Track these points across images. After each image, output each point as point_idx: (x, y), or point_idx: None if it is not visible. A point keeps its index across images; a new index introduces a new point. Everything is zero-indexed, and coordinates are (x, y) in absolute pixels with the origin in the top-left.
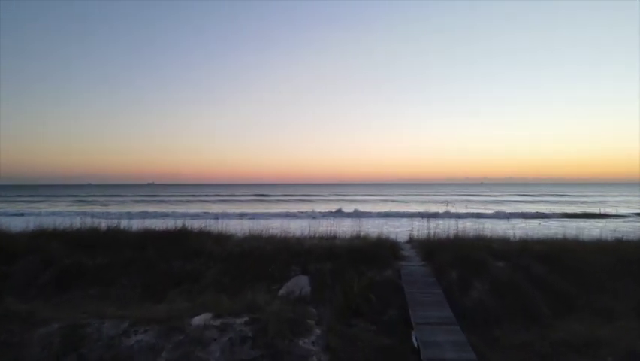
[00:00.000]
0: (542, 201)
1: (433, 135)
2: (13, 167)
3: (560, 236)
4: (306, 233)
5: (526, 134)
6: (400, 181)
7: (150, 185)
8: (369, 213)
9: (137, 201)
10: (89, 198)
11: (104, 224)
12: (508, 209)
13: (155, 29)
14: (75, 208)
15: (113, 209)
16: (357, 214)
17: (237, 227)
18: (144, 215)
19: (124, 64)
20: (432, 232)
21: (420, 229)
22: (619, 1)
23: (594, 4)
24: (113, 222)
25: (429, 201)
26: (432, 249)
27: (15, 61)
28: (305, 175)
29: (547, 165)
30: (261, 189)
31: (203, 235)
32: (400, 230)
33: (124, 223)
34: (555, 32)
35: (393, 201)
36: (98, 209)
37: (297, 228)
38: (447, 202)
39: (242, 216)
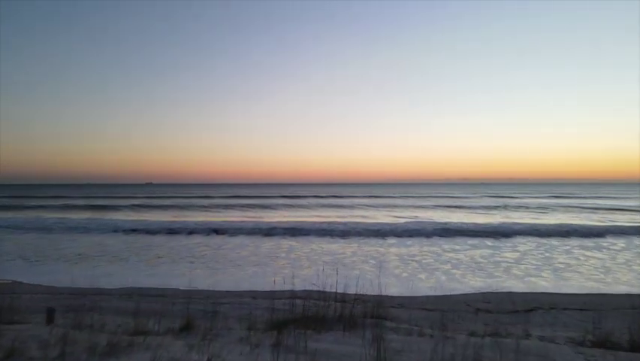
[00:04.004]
0: (607, 207)
1: (432, 136)
2: (13, 167)
3: None
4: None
5: (526, 134)
6: (396, 182)
7: (148, 185)
8: (402, 224)
9: (89, 207)
10: (29, 202)
11: None
12: (620, 218)
13: (155, 29)
14: None
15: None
16: (385, 231)
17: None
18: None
19: (125, 64)
20: None
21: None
22: (619, 1)
23: (594, 4)
24: None
25: (457, 206)
26: None
27: (14, 60)
28: (303, 176)
29: (548, 165)
30: (258, 190)
31: None
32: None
33: None
34: (555, 32)
35: (416, 206)
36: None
37: (272, 261)
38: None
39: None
